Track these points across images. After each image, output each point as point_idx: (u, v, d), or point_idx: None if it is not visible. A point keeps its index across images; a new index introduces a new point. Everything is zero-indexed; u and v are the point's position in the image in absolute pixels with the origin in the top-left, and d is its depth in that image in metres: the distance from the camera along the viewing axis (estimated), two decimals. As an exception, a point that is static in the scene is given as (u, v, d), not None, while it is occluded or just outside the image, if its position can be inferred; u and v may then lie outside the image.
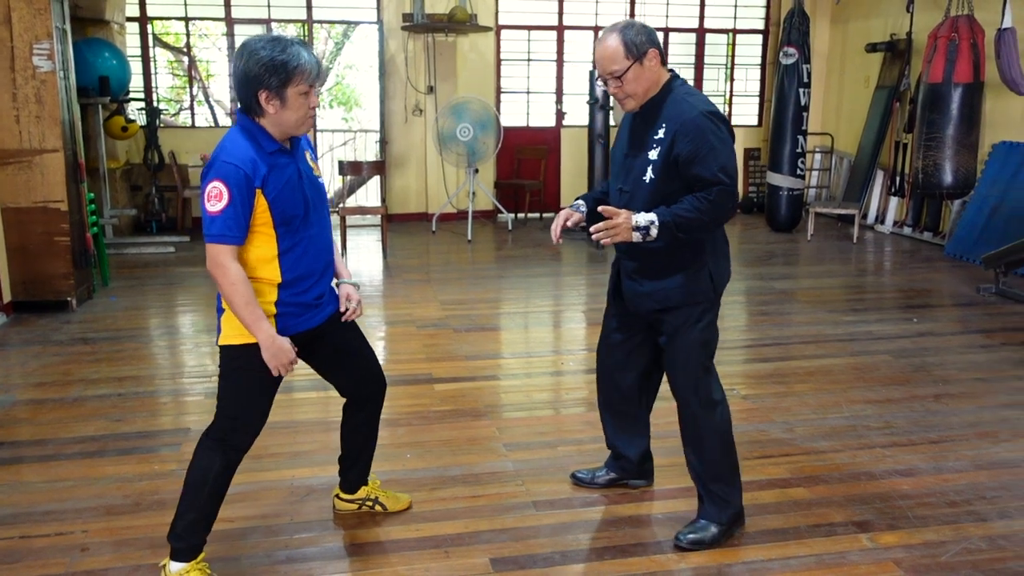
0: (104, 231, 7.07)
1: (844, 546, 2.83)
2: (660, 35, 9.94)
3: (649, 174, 2.67)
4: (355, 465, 2.99)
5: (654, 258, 2.73)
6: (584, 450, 3.57)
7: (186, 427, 3.83)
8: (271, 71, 2.32)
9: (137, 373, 4.55)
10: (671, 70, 2.76)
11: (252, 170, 2.35)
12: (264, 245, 2.45)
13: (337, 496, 3.04)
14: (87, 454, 3.52)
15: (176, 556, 2.56)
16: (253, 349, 2.45)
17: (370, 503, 3.02)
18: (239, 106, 2.44)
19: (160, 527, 2.90)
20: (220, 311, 2.53)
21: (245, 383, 2.53)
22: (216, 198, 2.32)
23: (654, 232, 2.58)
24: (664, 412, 3.23)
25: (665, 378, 2.96)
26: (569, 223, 2.88)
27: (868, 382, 4.43)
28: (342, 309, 2.68)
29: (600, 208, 2.67)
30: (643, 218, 2.58)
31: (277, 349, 2.43)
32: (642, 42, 2.63)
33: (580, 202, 2.95)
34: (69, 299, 5.66)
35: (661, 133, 2.64)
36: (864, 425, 3.85)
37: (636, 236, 2.59)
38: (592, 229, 2.63)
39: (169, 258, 7.60)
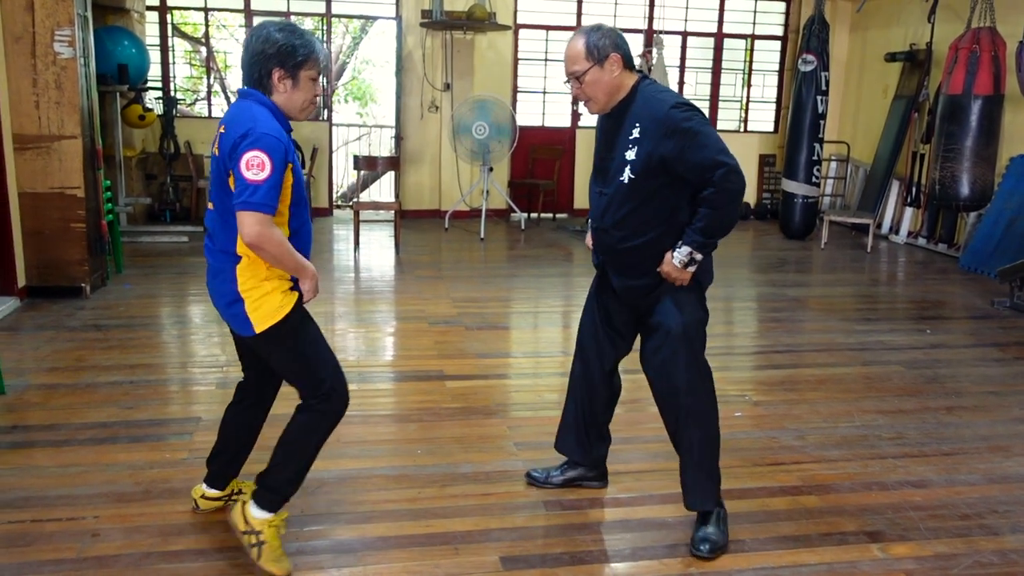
0: (119, 219, 7.09)
1: (855, 555, 2.81)
2: (677, 39, 9.78)
3: (627, 174, 2.68)
4: (236, 460, 2.94)
5: (636, 260, 2.77)
6: (594, 451, 3.56)
7: (196, 416, 3.83)
8: (288, 53, 2.40)
9: (149, 361, 4.56)
10: (640, 72, 2.76)
11: (288, 145, 2.41)
12: (280, 225, 2.48)
13: (203, 497, 2.94)
14: (98, 440, 3.53)
15: (264, 504, 2.61)
16: (290, 317, 2.51)
17: (236, 495, 2.96)
18: (246, 84, 2.47)
19: (171, 515, 2.93)
20: (235, 303, 2.51)
21: (307, 345, 2.58)
22: (259, 167, 2.33)
23: (698, 256, 2.67)
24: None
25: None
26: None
27: (880, 392, 4.41)
28: None
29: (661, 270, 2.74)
30: (683, 254, 2.67)
31: (316, 277, 2.56)
32: (604, 46, 2.64)
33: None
34: (83, 285, 5.68)
35: (636, 132, 2.65)
36: (875, 435, 3.83)
37: (691, 269, 2.70)
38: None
39: (182, 248, 7.62)
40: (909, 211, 8.84)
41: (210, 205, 2.56)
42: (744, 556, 2.79)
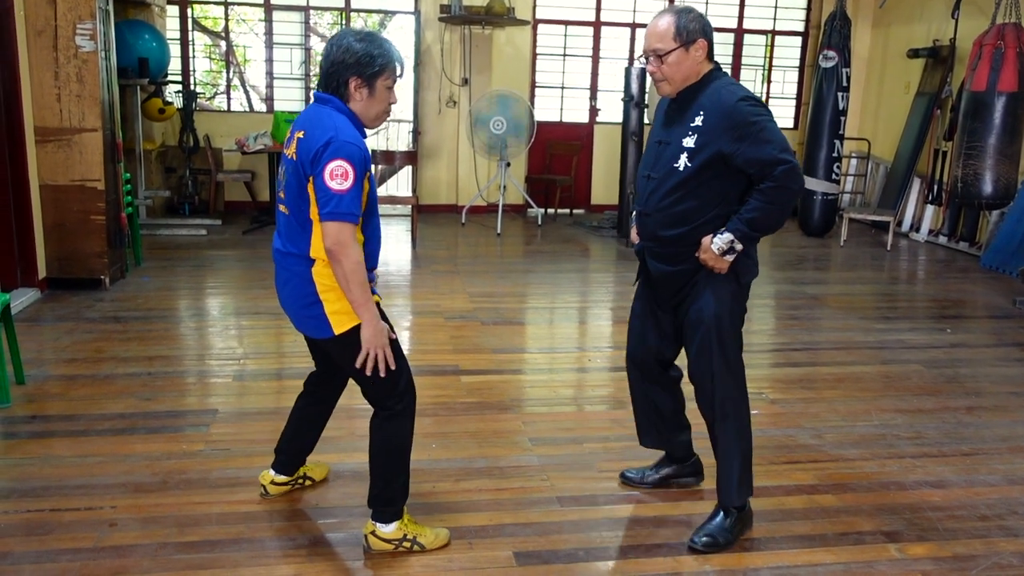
0: (138, 212, 7.14)
1: (872, 555, 2.79)
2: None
3: (683, 161, 2.64)
4: (305, 448, 3.01)
5: (677, 249, 2.74)
6: (610, 447, 3.55)
7: (213, 408, 3.85)
8: (366, 62, 2.41)
9: (167, 353, 4.59)
10: (716, 63, 2.73)
11: (368, 153, 2.42)
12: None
13: (272, 483, 3.02)
14: (117, 431, 3.55)
15: (387, 518, 2.67)
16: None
17: (301, 480, 3.06)
18: (324, 90, 2.48)
19: (187, 506, 2.94)
20: (313, 304, 2.50)
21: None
22: (342, 177, 2.35)
23: (738, 247, 2.63)
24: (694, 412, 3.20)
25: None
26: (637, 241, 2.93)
27: (899, 391, 4.37)
28: None
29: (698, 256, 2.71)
30: (723, 241, 2.63)
31: (378, 331, 2.48)
32: (694, 29, 2.63)
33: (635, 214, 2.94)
34: (102, 277, 5.72)
35: (698, 120, 2.62)
36: (894, 434, 3.80)
37: (728, 258, 2.65)
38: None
39: (201, 241, 7.66)
40: (930, 209, 8.75)
41: (282, 208, 2.54)
42: (759, 555, 2.78)
